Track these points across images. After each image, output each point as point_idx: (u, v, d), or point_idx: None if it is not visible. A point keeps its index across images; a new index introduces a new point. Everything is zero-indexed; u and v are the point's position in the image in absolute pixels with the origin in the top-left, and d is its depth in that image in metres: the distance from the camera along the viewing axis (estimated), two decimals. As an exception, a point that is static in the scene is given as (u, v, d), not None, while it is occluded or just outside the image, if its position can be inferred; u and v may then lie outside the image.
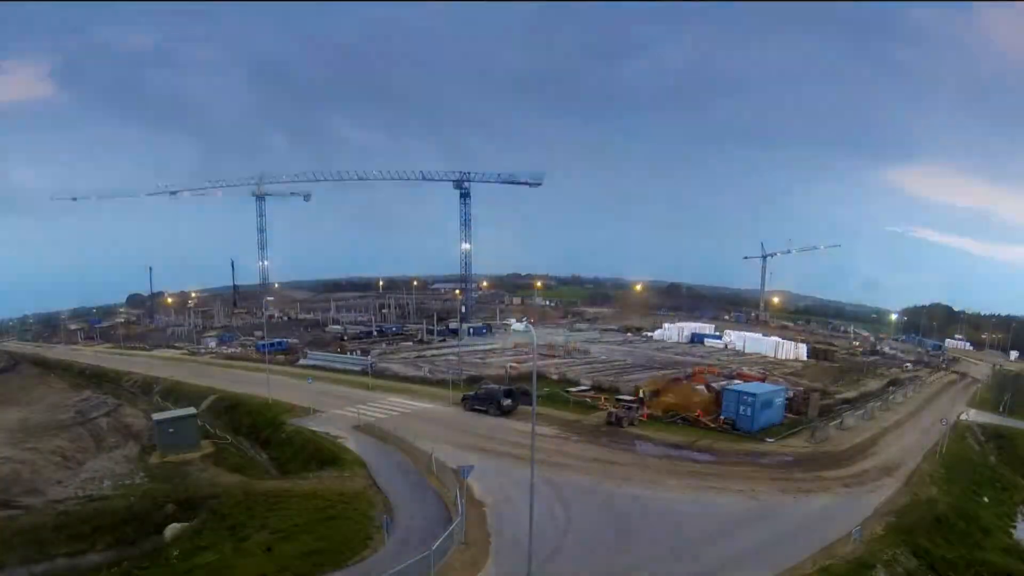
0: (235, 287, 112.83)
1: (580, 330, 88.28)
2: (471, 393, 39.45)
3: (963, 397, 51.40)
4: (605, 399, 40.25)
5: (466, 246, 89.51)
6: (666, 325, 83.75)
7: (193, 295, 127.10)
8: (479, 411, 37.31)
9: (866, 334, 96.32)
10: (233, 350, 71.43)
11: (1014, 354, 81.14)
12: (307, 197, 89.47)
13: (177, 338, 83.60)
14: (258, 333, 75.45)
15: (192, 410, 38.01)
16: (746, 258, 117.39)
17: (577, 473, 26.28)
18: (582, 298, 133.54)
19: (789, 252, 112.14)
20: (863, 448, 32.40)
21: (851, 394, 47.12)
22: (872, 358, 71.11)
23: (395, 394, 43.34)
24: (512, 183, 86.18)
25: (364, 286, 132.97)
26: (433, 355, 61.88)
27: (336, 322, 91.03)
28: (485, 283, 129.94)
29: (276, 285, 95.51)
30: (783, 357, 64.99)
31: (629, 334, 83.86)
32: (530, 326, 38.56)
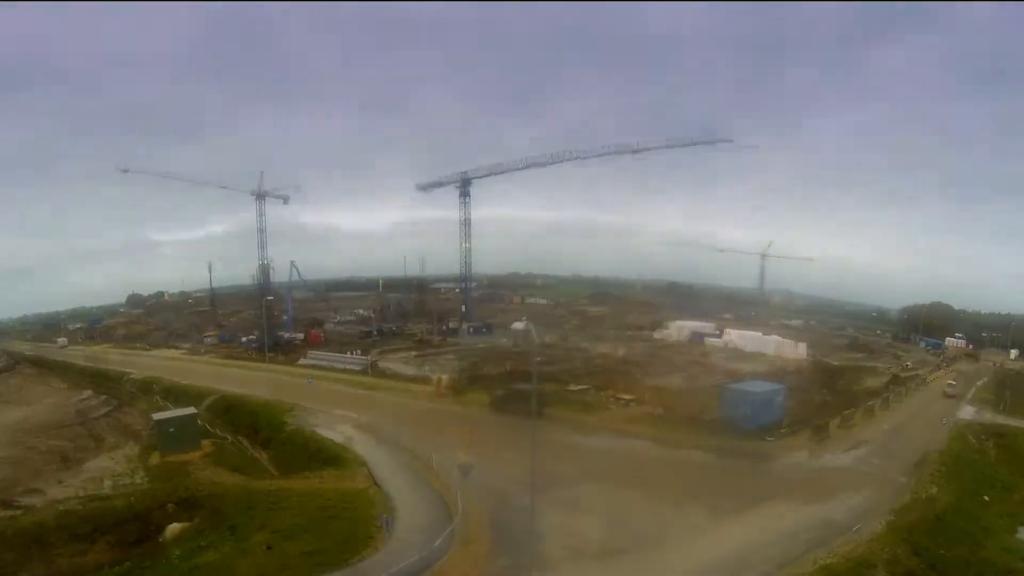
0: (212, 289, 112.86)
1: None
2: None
3: (963, 396, 51.25)
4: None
5: (466, 245, 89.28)
6: (665, 324, 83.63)
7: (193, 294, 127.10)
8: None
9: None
10: (235, 342, 71.74)
11: (1014, 352, 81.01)
12: (286, 200, 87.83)
13: (177, 338, 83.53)
14: (257, 332, 75.39)
15: (192, 410, 37.99)
16: (721, 251, 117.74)
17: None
18: (583, 297, 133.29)
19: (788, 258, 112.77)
20: (865, 446, 32.38)
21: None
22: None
23: (395, 393, 43.33)
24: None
25: (364, 286, 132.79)
26: (434, 354, 61.77)
27: (337, 322, 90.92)
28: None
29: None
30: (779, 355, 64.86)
31: (629, 333, 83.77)
32: (530, 325, 38.54)
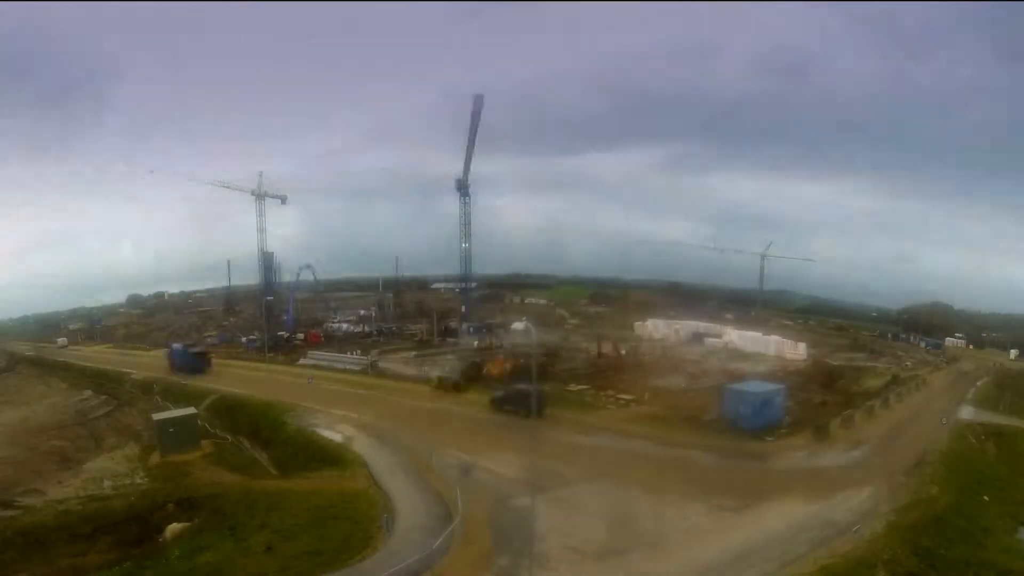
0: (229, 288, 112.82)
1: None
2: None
3: (963, 396, 51.29)
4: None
5: (466, 245, 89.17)
6: (664, 324, 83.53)
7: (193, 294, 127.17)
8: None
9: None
10: (235, 342, 71.97)
11: (1014, 352, 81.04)
12: (284, 200, 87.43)
13: (178, 338, 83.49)
14: (257, 333, 75.53)
15: (192, 410, 38.00)
16: (721, 251, 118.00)
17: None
18: (582, 298, 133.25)
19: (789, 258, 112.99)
20: (865, 446, 32.39)
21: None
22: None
23: (395, 393, 43.33)
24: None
25: (364, 286, 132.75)
26: (434, 354, 61.73)
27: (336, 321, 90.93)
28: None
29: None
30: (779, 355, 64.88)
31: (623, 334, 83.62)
32: (530, 326, 38.51)
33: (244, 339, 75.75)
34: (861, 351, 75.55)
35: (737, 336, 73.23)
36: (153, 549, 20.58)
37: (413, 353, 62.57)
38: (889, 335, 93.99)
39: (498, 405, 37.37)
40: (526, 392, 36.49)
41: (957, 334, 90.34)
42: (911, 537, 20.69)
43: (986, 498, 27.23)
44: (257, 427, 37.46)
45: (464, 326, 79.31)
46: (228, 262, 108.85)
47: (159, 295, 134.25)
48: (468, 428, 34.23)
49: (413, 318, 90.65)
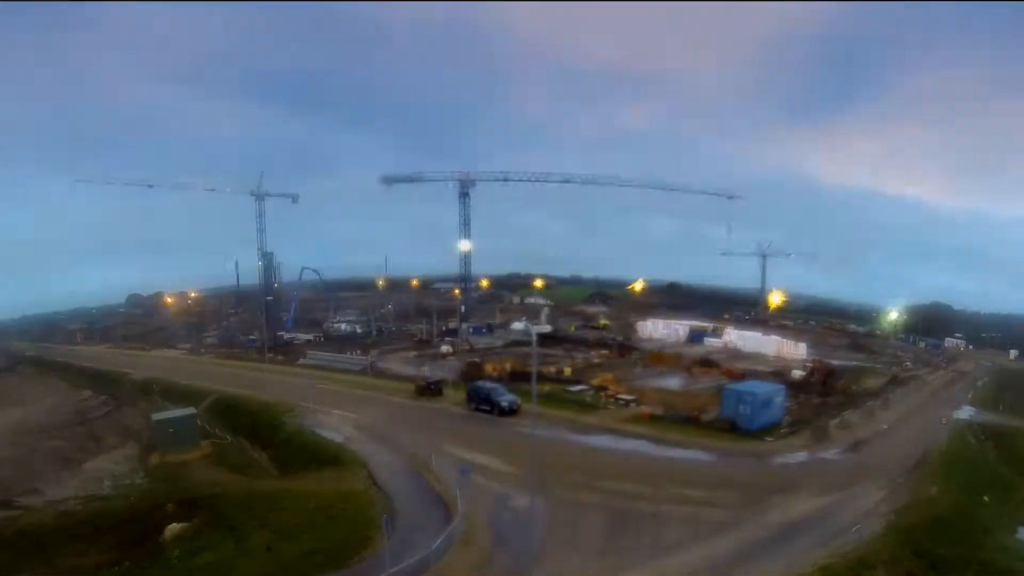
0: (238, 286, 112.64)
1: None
2: (471, 390, 38.76)
3: (963, 396, 51.35)
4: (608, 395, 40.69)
5: (465, 245, 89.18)
6: (662, 324, 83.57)
7: (192, 295, 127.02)
8: (483, 411, 36.76)
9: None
10: (235, 342, 71.91)
11: (1013, 352, 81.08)
12: (295, 199, 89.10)
13: (177, 338, 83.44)
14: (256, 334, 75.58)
15: (192, 410, 38.01)
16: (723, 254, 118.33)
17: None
18: (582, 298, 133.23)
19: (789, 255, 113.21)
20: (864, 447, 32.42)
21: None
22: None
23: (395, 394, 43.31)
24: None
25: (364, 286, 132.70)
26: (433, 354, 61.69)
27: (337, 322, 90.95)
28: (485, 282, 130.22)
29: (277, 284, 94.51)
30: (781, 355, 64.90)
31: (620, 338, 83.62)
32: (530, 325, 38.59)
33: (244, 339, 75.82)
34: (861, 351, 75.56)
35: (737, 336, 73.29)
36: (153, 549, 20.57)
37: (413, 353, 62.58)
38: (889, 335, 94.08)
39: (474, 405, 37.64)
40: (493, 391, 37.17)
41: (956, 334, 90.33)
42: (911, 537, 20.68)
43: (986, 498, 27.24)
44: (256, 427, 37.46)
45: (464, 326, 79.38)
46: (236, 262, 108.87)
47: (158, 295, 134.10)
48: (468, 429, 34.21)
49: (413, 318, 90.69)
